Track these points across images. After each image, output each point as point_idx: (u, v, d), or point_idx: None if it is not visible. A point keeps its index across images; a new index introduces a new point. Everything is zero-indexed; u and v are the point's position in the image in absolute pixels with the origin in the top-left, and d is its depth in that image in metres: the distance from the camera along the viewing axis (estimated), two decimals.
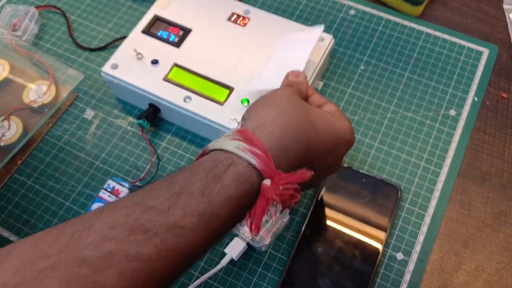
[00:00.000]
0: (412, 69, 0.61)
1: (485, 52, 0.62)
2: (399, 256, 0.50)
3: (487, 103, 0.59)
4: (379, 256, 0.49)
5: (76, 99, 0.61)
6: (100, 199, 0.52)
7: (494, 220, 0.52)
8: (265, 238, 0.48)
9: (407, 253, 0.50)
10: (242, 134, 0.35)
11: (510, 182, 0.54)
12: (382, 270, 0.49)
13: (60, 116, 0.59)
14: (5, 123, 0.57)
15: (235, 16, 0.59)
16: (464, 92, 0.59)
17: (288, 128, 0.36)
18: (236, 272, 0.50)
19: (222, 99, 0.54)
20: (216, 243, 0.38)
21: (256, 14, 0.59)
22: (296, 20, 0.64)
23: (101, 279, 0.27)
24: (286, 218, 0.50)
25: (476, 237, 0.51)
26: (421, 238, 0.51)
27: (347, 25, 0.65)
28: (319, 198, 0.52)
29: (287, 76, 0.46)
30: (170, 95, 0.54)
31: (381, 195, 0.52)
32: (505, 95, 0.59)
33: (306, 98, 0.44)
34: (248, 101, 0.53)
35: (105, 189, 0.52)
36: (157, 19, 0.59)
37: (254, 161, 0.33)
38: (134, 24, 0.62)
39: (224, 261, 0.49)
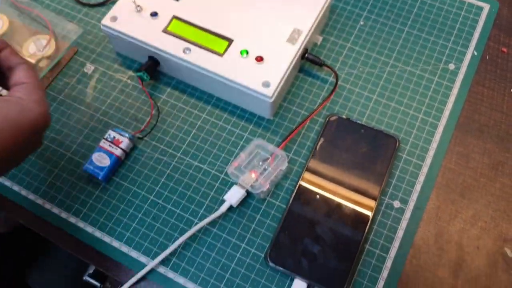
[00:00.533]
0: (412, 25, 0.61)
1: (486, 7, 0.62)
2: (396, 204, 0.51)
3: (487, 57, 0.59)
4: (376, 204, 0.49)
5: (76, 53, 0.61)
6: (101, 149, 0.52)
7: (491, 171, 0.52)
8: (263, 184, 0.49)
9: (404, 202, 0.51)
10: None
11: (508, 134, 0.54)
12: (379, 218, 0.50)
13: (60, 70, 0.60)
14: None
15: None
16: (464, 47, 0.59)
17: None
18: (235, 219, 0.51)
19: (221, 51, 0.54)
20: None
21: None
22: None
23: None
24: (284, 166, 0.50)
25: (473, 187, 0.52)
26: (418, 187, 0.51)
27: None
28: (317, 148, 0.52)
29: None
30: (170, 47, 0.54)
31: (379, 145, 0.52)
32: (505, 50, 0.59)
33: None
34: (247, 52, 0.53)
35: (106, 139, 0.53)
36: None
37: None
38: None
39: (223, 208, 0.49)
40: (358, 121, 0.54)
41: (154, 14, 0.56)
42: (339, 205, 0.50)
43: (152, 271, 0.48)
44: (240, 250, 0.49)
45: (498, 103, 0.56)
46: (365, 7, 0.63)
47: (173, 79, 0.58)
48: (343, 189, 0.50)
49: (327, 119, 0.54)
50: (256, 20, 0.55)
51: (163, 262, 0.49)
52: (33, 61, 0.57)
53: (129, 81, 0.59)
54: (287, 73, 0.53)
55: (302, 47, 0.54)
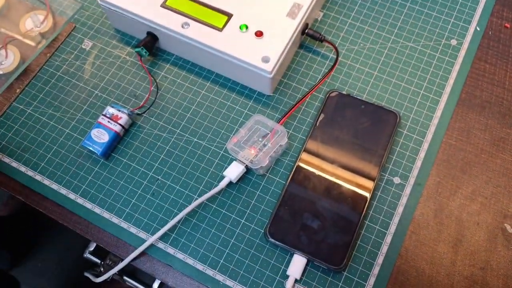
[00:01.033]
0: (414, 0, 0.60)
1: None
2: (396, 180, 0.51)
3: (490, 33, 0.58)
4: (376, 180, 0.49)
5: (73, 30, 0.60)
6: (100, 125, 0.52)
7: (492, 147, 0.52)
8: (263, 160, 0.48)
9: (404, 178, 0.51)
10: None
11: (510, 110, 0.54)
12: (379, 194, 0.50)
13: (58, 47, 0.59)
14: (2, 52, 0.56)
15: None
16: (466, 22, 0.58)
17: None
18: (235, 195, 0.50)
19: (220, 25, 0.53)
20: None
21: None
22: None
23: None
24: (283, 142, 0.50)
25: (473, 163, 0.51)
26: (418, 163, 0.51)
27: None
28: (317, 124, 0.52)
29: None
30: (168, 22, 0.53)
31: (380, 121, 0.52)
32: (508, 25, 0.58)
33: None
34: (246, 27, 0.52)
35: (104, 115, 0.52)
36: None
37: None
38: None
39: (223, 184, 0.49)
40: (359, 97, 0.53)
41: None
42: (339, 182, 0.49)
43: (151, 246, 0.49)
44: (240, 226, 0.49)
45: (500, 79, 0.55)
46: None
47: (172, 55, 0.58)
48: (343, 165, 0.50)
49: (328, 95, 0.54)
50: None
51: (163, 238, 0.49)
52: (31, 35, 0.57)
53: (127, 57, 0.58)
54: (287, 48, 0.52)
55: (303, 22, 0.53)
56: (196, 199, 0.50)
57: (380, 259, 0.47)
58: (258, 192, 0.50)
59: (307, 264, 0.47)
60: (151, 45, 0.56)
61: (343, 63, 0.57)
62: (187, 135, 0.53)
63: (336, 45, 0.57)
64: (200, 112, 0.54)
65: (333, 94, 0.54)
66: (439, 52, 0.57)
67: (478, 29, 0.58)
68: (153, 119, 0.54)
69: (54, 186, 0.52)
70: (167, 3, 0.54)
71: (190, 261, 0.48)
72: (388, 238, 0.48)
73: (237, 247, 0.48)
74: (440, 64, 0.56)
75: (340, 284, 0.46)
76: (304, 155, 0.51)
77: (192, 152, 0.53)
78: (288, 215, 0.48)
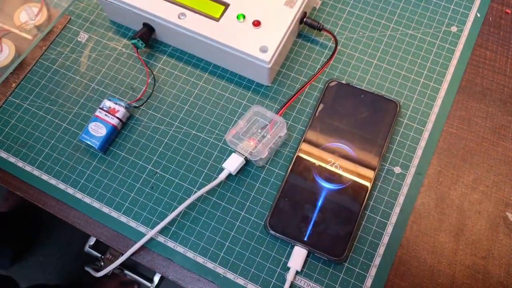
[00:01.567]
0: None
1: None
2: (397, 170, 0.50)
3: (490, 19, 0.57)
4: (377, 170, 0.49)
5: (69, 22, 0.59)
6: (97, 118, 0.51)
7: (494, 135, 0.52)
8: (262, 152, 0.48)
9: (405, 167, 0.50)
10: None
11: (511, 97, 0.53)
12: (379, 184, 0.50)
13: (53, 40, 0.58)
14: None
15: None
16: (467, 9, 0.57)
17: None
18: (234, 187, 0.50)
19: (217, 15, 0.52)
20: None
21: None
22: None
23: None
24: (283, 133, 0.49)
25: (475, 151, 0.51)
26: (419, 152, 0.51)
27: None
28: (316, 115, 0.52)
29: None
30: (164, 13, 0.53)
31: (380, 110, 0.51)
32: (509, 11, 0.57)
33: None
34: (244, 16, 0.52)
35: (101, 108, 0.52)
36: None
37: None
38: None
39: (222, 176, 0.49)
40: (358, 86, 0.53)
41: None
42: (339, 172, 0.49)
43: (151, 240, 0.48)
44: (240, 218, 0.49)
45: (501, 66, 0.55)
46: None
47: (169, 46, 0.57)
48: (343, 156, 0.50)
49: (327, 85, 0.53)
50: None
51: (163, 232, 0.49)
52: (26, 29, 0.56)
53: (124, 49, 0.57)
54: (285, 38, 0.51)
55: (301, 10, 0.53)
56: (196, 192, 0.50)
57: (381, 250, 0.47)
58: (257, 184, 0.50)
59: (308, 256, 0.47)
60: (147, 36, 0.55)
61: (342, 52, 0.56)
62: (185, 128, 0.53)
63: (335, 34, 0.57)
64: (198, 104, 0.54)
65: (332, 83, 0.53)
66: (439, 39, 0.56)
67: (478, 15, 0.57)
68: (150, 111, 0.54)
69: (53, 181, 0.51)
70: None
71: (190, 254, 0.48)
72: (389, 229, 0.48)
73: (237, 239, 0.48)
74: (440, 51, 0.55)
75: (341, 275, 0.46)
76: (304, 146, 0.50)
77: (191, 145, 0.52)
78: (288, 207, 0.48)
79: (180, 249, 0.48)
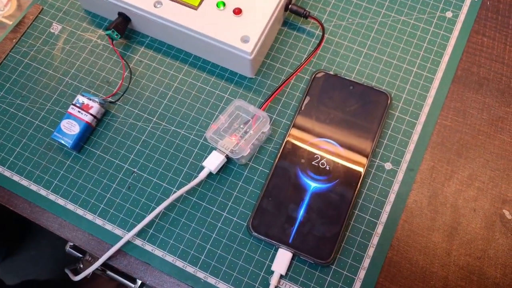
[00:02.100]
0: None
1: None
2: (388, 166, 0.47)
3: (488, 3, 0.54)
4: (366, 166, 0.46)
5: (40, 12, 0.56)
6: (69, 115, 0.48)
7: (490, 127, 0.49)
8: (244, 149, 0.45)
9: (396, 163, 0.47)
10: None
11: (509, 87, 0.50)
12: (369, 181, 0.47)
13: (24, 31, 0.55)
14: None
15: None
16: None
17: None
18: (216, 186, 0.47)
19: (195, 3, 0.49)
20: None
21: None
22: None
23: None
24: (266, 128, 0.46)
25: (470, 145, 0.48)
26: (411, 147, 0.48)
27: None
28: (302, 108, 0.49)
29: None
30: (139, 1, 0.49)
31: (370, 102, 0.48)
32: None
33: None
34: (224, 4, 0.48)
35: (74, 105, 0.49)
36: None
37: None
38: None
39: (202, 175, 0.46)
40: (347, 77, 0.50)
41: None
42: (326, 169, 0.46)
43: (128, 243, 0.46)
44: (221, 219, 0.46)
45: (499, 54, 0.51)
46: None
47: (146, 37, 0.54)
48: (330, 152, 0.47)
49: (313, 76, 0.50)
50: None
51: (140, 234, 0.46)
52: None
53: (99, 40, 0.54)
54: (268, 27, 0.48)
55: None
56: (175, 192, 0.47)
57: (370, 251, 0.44)
58: (240, 183, 0.47)
59: (293, 258, 0.44)
60: (122, 27, 0.52)
61: (330, 40, 0.53)
62: (164, 124, 0.50)
63: (322, 22, 0.53)
64: (178, 98, 0.51)
65: (319, 74, 0.50)
66: (433, 25, 0.53)
67: None
68: (127, 107, 0.51)
69: (24, 182, 0.49)
70: None
71: (169, 258, 0.45)
72: (379, 229, 0.45)
73: (219, 242, 0.45)
74: (435, 39, 0.52)
75: (329, 278, 0.44)
76: (289, 142, 0.47)
77: (170, 142, 0.49)
78: (272, 207, 0.45)
79: (158, 252, 0.45)
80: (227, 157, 0.46)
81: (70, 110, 0.49)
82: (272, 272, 0.44)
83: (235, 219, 0.46)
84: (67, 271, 0.55)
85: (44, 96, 0.52)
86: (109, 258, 0.46)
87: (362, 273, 0.44)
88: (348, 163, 0.46)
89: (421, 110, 0.49)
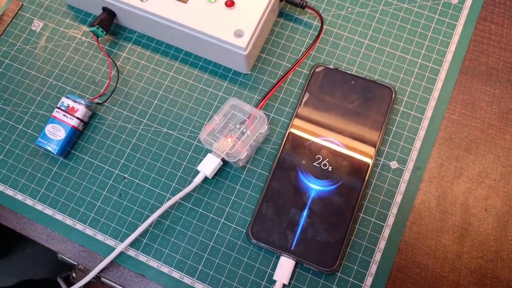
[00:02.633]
0: None
1: None
2: (393, 165, 0.45)
3: None
4: (371, 166, 0.43)
5: (20, 9, 0.53)
6: (54, 119, 0.46)
7: (501, 121, 0.46)
8: (241, 152, 0.42)
9: (402, 161, 0.45)
10: None
11: None
12: (374, 181, 0.44)
13: (4, 30, 0.52)
14: None
15: None
16: None
17: None
18: (212, 191, 0.45)
19: None
20: None
21: None
22: None
23: None
24: (263, 129, 0.44)
25: (479, 140, 0.45)
26: (418, 144, 0.45)
27: None
28: (301, 105, 0.46)
29: None
30: None
31: (373, 98, 0.46)
32: None
33: None
34: None
35: (59, 108, 0.46)
36: None
37: None
38: None
39: (197, 180, 0.43)
40: (348, 71, 0.47)
41: None
42: (328, 170, 0.44)
43: (121, 254, 0.43)
44: (219, 226, 0.44)
45: (508, 42, 0.48)
46: None
47: (134, 32, 0.51)
48: (332, 151, 0.44)
49: (312, 70, 0.47)
50: None
51: (133, 245, 0.43)
52: None
53: (83, 37, 0.51)
54: (263, 20, 0.45)
55: None
56: (169, 198, 0.44)
57: (377, 256, 0.42)
58: (238, 187, 0.45)
59: (295, 266, 0.42)
60: (108, 22, 0.48)
61: (329, 31, 0.50)
62: (155, 125, 0.47)
63: (320, 11, 0.50)
64: (169, 98, 0.48)
65: (319, 69, 0.47)
66: (438, 13, 0.50)
67: None
68: (115, 108, 0.48)
69: (9, 191, 0.46)
70: None
71: (165, 269, 0.43)
72: (386, 232, 0.43)
73: (217, 250, 0.43)
74: (440, 27, 0.49)
75: (334, 286, 0.41)
76: (288, 142, 0.45)
77: (162, 145, 0.46)
78: (272, 212, 0.43)
79: (153, 263, 0.43)
80: (223, 160, 0.44)
81: (54, 113, 0.46)
82: (274, 281, 0.42)
83: (233, 225, 0.44)
84: (59, 280, 0.53)
85: (27, 98, 0.49)
86: (102, 270, 0.43)
87: (369, 280, 0.42)
88: (352, 163, 0.44)
89: (427, 104, 0.46)
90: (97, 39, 0.49)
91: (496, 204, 0.43)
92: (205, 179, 0.45)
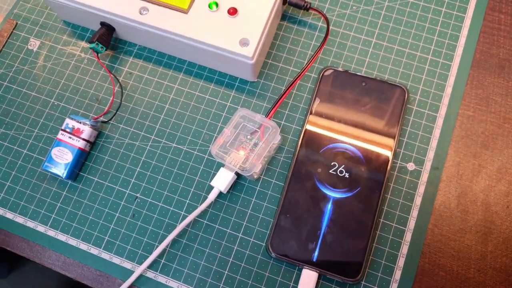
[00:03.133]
0: None
1: None
2: (411, 166, 0.44)
3: None
4: (388, 169, 0.42)
5: (15, 28, 0.51)
6: (60, 142, 0.44)
7: None
8: (255, 164, 0.41)
9: (419, 162, 0.44)
10: None
11: None
12: (392, 185, 0.43)
13: (0, 51, 0.50)
14: None
15: None
16: None
17: None
18: (227, 205, 0.44)
19: (185, 6, 0.44)
20: None
21: None
22: None
23: None
24: (277, 140, 0.43)
25: (496, 135, 0.45)
26: (434, 143, 0.44)
27: None
28: (312, 111, 0.45)
29: None
30: (123, 9, 0.44)
31: (385, 99, 0.44)
32: None
33: None
34: (217, 4, 0.44)
35: (64, 130, 0.44)
36: None
37: None
38: None
39: (212, 196, 0.42)
40: (358, 73, 0.45)
41: None
42: (345, 177, 0.43)
43: (140, 277, 0.42)
44: (237, 241, 0.43)
45: None
46: None
47: (134, 46, 0.49)
48: (348, 157, 0.43)
49: (321, 74, 0.46)
50: None
51: (151, 266, 0.43)
52: None
53: (83, 54, 0.50)
54: (268, 26, 0.44)
55: None
56: (184, 215, 0.43)
57: (401, 262, 0.41)
58: (253, 199, 0.44)
59: (319, 278, 0.41)
60: (107, 38, 0.47)
61: (335, 32, 0.48)
62: (164, 141, 0.46)
63: (324, 12, 0.49)
64: (176, 111, 0.47)
65: (328, 72, 0.46)
66: (445, 6, 0.48)
67: None
68: (121, 125, 0.47)
69: (19, 219, 0.45)
70: None
71: None
72: (408, 236, 0.42)
73: (237, 266, 0.42)
74: (448, 20, 0.48)
75: None
76: (302, 150, 0.44)
77: (172, 161, 0.45)
78: (291, 224, 0.42)
79: (173, 284, 0.42)
80: (236, 173, 0.43)
81: (59, 136, 0.44)
82: None
83: (252, 239, 0.43)
84: None
85: (29, 121, 0.47)
86: None
87: (394, 286, 0.41)
88: (369, 168, 0.43)
89: (441, 101, 0.45)
90: (97, 55, 0.47)
91: None
92: (219, 194, 0.43)
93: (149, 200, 0.44)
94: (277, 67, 0.47)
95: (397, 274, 0.41)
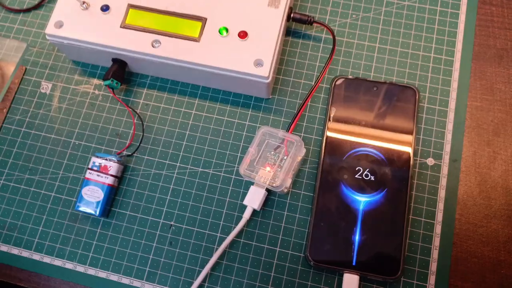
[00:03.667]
0: None
1: None
2: (430, 161, 0.46)
3: None
4: (411, 167, 0.44)
5: (25, 73, 0.51)
6: (89, 181, 0.45)
7: None
8: (285, 179, 0.43)
9: (438, 157, 0.46)
10: None
11: None
12: (415, 181, 0.45)
13: (13, 98, 0.50)
14: None
15: None
16: None
17: None
18: (261, 222, 0.45)
19: (196, 34, 0.45)
20: None
21: None
22: None
23: None
24: (302, 153, 0.44)
25: (505, 121, 0.47)
26: (448, 136, 0.46)
27: None
28: (330, 120, 0.46)
29: None
30: (134, 44, 0.45)
31: (398, 100, 0.46)
32: None
33: None
34: (227, 30, 0.45)
35: (91, 169, 0.45)
36: None
37: None
38: None
39: (246, 215, 0.44)
40: (368, 79, 0.47)
41: (105, 8, 0.47)
42: (372, 180, 0.44)
43: None
44: (276, 255, 0.44)
45: (511, 21, 0.50)
46: None
47: (146, 77, 0.50)
48: (371, 160, 0.45)
49: (333, 84, 0.47)
50: None
51: None
52: None
53: (96, 91, 0.50)
54: (279, 44, 0.45)
55: (287, 8, 0.46)
56: (220, 237, 0.44)
57: (435, 254, 0.43)
58: (285, 212, 0.45)
59: (360, 280, 0.43)
60: (120, 73, 0.48)
61: (339, 41, 0.50)
62: (189, 167, 0.47)
63: (326, 23, 0.50)
64: (197, 136, 0.48)
65: (339, 81, 0.47)
66: (439, 4, 0.51)
67: None
68: (146, 157, 0.48)
69: (57, 262, 0.45)
70: (127, 21, 0.46)
71: None
72: (438, 228, 0.44)
73: (280, 280, 0.43)
74: (444, 18, 0.50)
75: None
76: (326, 159, 0.45)
77: (201, 185, 0.46)
78: (326, 232, 0.43)
79: None
80: (267, 189, 0.44)
81: (88, 175, 0.45)
82: None
83: (290, 252, 0.44)
84: None
85: (53, 164, 0.48)
86: None
87: (432, 279, 0.43)
88: (392, 168, 0.44)
89: (449, 96, 0.47)
90: (113, 91, 0.48)
91: None
92: (252, 211, 0.45)
93: (184, 226, 0.45)
94: (288, 81, 0.49)
95: (433, 266, 0.43)
